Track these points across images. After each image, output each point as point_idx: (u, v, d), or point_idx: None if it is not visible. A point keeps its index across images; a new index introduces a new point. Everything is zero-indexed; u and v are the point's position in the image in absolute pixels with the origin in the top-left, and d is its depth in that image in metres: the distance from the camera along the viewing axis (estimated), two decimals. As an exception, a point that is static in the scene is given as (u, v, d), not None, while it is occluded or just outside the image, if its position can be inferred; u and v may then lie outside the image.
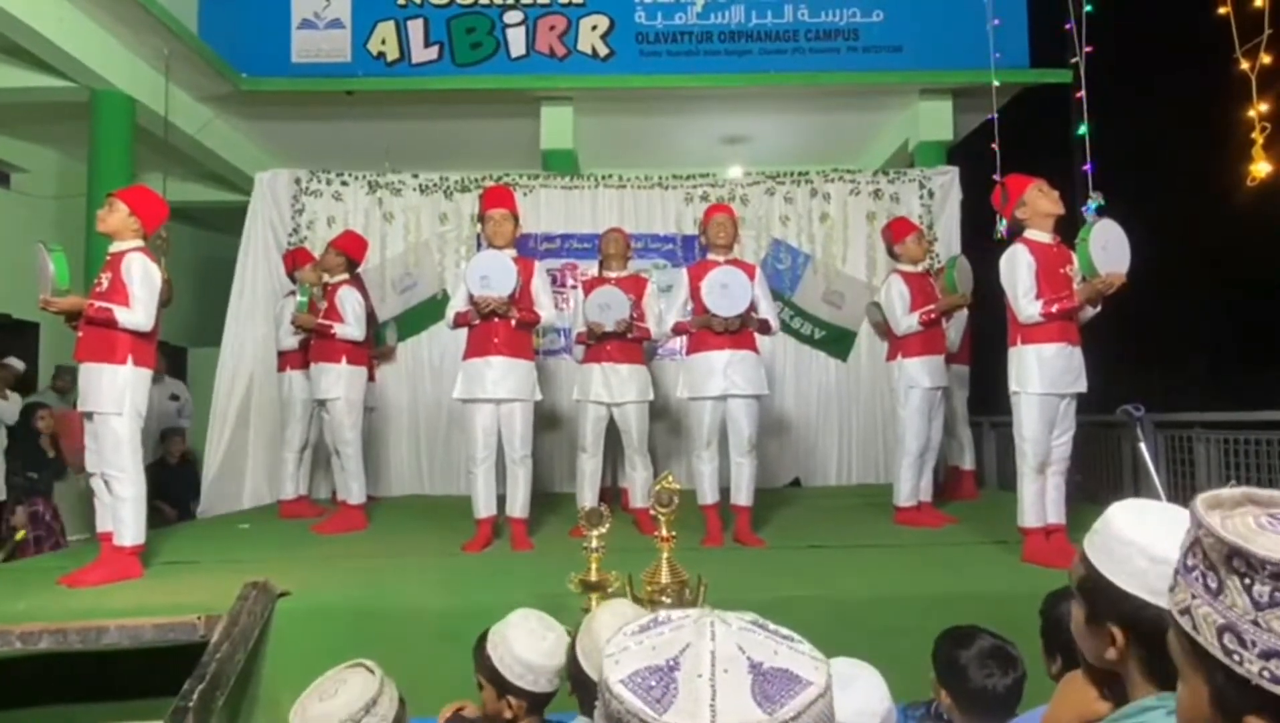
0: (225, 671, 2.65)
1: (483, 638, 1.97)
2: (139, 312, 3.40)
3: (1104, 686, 1.19)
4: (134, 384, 3.41)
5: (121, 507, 3.41)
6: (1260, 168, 3.28)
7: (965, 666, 1.80)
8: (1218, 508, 0.70)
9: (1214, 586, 0.68)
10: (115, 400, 3.37)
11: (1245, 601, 0.65)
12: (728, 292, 4.13)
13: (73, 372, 6.93)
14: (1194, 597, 0.70)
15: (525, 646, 1.88)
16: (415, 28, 7.50)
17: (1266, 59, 3.28)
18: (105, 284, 3.44)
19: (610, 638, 0.76)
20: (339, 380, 4.68)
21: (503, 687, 1.89)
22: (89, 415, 3.43)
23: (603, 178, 6.85)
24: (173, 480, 6.86)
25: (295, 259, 5.73)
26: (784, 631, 0.74)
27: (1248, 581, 0.65)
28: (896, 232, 4.92)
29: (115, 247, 3.53)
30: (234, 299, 6.42)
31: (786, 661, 0.69)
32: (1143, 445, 3.47)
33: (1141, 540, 1.04)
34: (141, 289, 3.42)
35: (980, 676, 1.78)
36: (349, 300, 4.73)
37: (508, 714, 1.92)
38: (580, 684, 1.71)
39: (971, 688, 1.78)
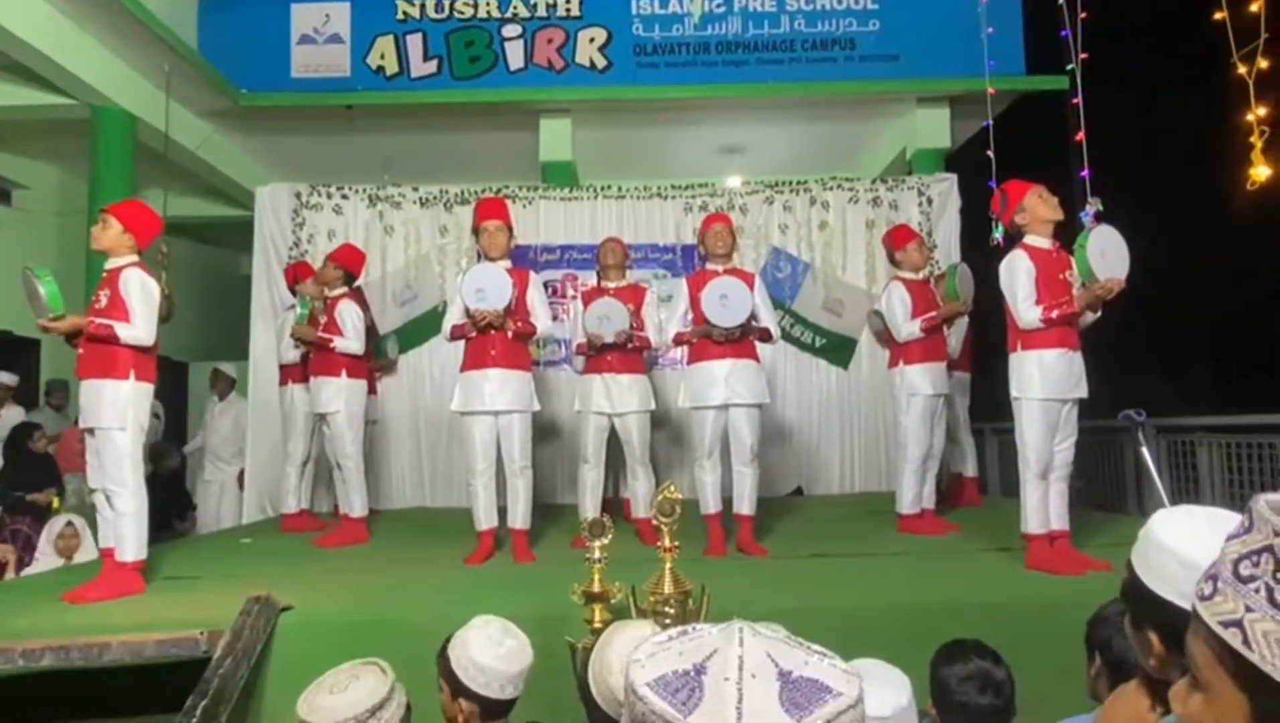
0: (228, 686, 2.64)
1: (448, 640, 1.99)
2: (140, 326, 3.41)
3: (1157, 697, 1.19)
4: (136, 399, 3.41)
5: (122, 522, 3.40)
6: (1260, 172, 3.29)
7: (947, 682, 1.81)
8: None
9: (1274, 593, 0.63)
10: (118, 416, 3.36)
11: None
12: (727, 302, 4.13)
13: (65, 387, 7.00)
14: (1250, 609, 0.64)
15: (481, 649, 1.91)
16: (414, 42, 7.54)
17: (1263, 63, 3.29)
18: (104, 301, 3.44)
19: (637, 647, 0.76)
20: (339, 394, 4.68)
21: (456, 688, 1.91)
22: (91, 431, 3.43)
23: (601, 189, 6.87)
24: (171, 494, 6.86)
25: (296, 273, 5.74)
26: (816, 646, 0.73)
27: None
28: (897, 239, 4.93)
29: (111, 263, 3.54)
30: (254, 314, 6.54)
31: (816, 671, 0.68)
32: (1145, 450, 3.46)
33: (1174, 545, 1.05)
34: (140, 303, 3.42)
35: (960, 693, 1.79)
36: (348, 314, 4.73)
37: (460, 719, 1.93)
38: (591, 706, 1.70)
39: (955, 703, 1.80)
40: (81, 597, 3.31)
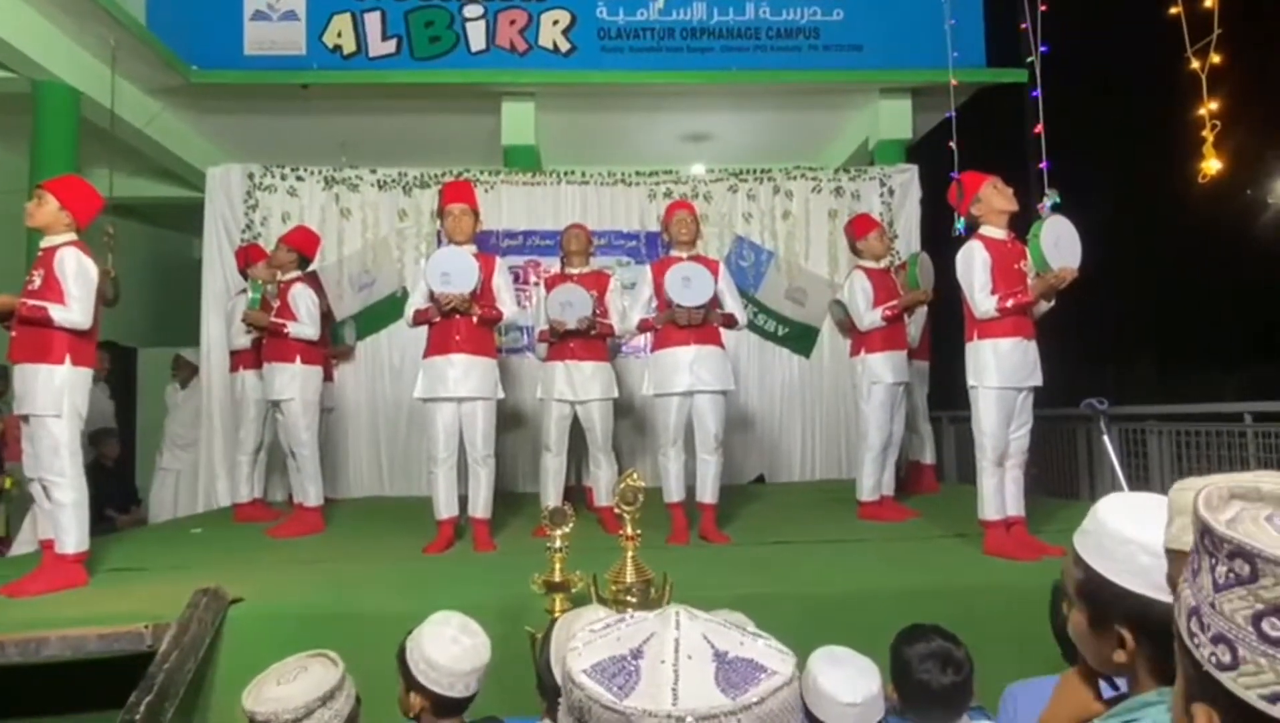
0: (174, 681, 2.55)
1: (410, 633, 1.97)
2: (75, 309, 3.26)
3: (1098, 688, 1.19)
4: (73, 385, 3.27)
5: (61, 513, 3.27)
6: (1211, 165, 3.35)
7: (909, 661, 1.84)
8: (1234, 497, 0.66)
9: (1195, 567, 0.66)
10: (53, 402, 3.22)
11: (1209, 581, 0.63)
12: (690, 284, 4.13)
13: (4, 373, 6.75)
14: (1184, 580, 0.68)
15: (435, 646, 1.88)
16: (372, 20, 7.35)
17: (1216, 58, 3.35)
18: (38, 281, 3.29)
19: (575, 633, 0.75)
20: (293, 381, 4.57)
21: (410, 682, 1.89)
22: (25, 418, 3.29)
23: (565, 174, 6.80)
24: (111, 483, 6.66)
25: (248, 256, 5.59)
26: (751, 628, 0.74)
27: (1213, 560, 0.63)
28: (859, 228, 4.95)
29: (47, 242, 3.38)
30: (205, 299, 6.37)
31: (751, 651, 0.69)
32: (1107, 438, 3.53)
33: (1140, 537, 1.00)
34: (77, 285, 3.27)
35: (921, 671, 1.82)
36: (302, 298, 4.62)
37: (412, 713, 1.91)
38: (551, 691, 1.67)
39: (916, 682, 1.82)
40: (20, 590, 3.18)
